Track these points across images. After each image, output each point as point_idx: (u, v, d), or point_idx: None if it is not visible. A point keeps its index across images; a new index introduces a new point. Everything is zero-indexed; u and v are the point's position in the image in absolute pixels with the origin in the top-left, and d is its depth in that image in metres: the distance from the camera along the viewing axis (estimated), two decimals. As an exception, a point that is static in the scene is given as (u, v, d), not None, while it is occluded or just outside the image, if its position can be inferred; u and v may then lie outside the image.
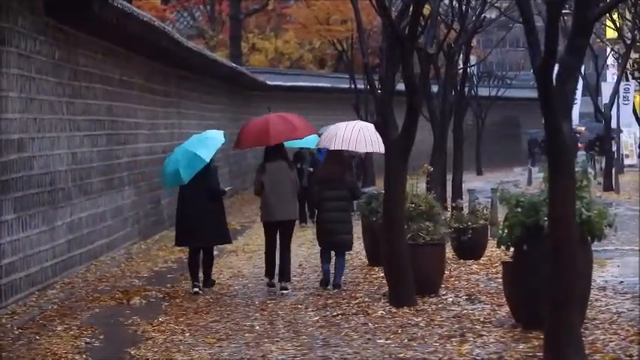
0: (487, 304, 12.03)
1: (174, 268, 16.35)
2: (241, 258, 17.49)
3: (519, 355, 9.43)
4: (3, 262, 12.50)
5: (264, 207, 13.77)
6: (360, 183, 17.01)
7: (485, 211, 16.95)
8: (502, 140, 56.06)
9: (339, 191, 13.75)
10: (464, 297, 12.59)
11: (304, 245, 18.82)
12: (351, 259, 15.81)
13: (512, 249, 10.65)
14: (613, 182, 32.23)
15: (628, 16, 31.78)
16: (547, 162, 8.69)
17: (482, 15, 23.27)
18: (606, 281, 13.54)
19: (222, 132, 14.38)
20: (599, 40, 36.54)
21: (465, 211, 17.28)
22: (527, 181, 36.63)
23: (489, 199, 19.67)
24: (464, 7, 21.92)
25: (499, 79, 51.97)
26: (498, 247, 10.98)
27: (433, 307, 12.02)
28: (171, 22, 44.96)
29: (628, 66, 34.22)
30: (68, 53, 15.49)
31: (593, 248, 10.69)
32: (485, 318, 11.21)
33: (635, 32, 31.28)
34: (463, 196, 21.16)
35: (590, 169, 10.71)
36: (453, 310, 11.76)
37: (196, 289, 13.70)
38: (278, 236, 13.81)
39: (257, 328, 11.23)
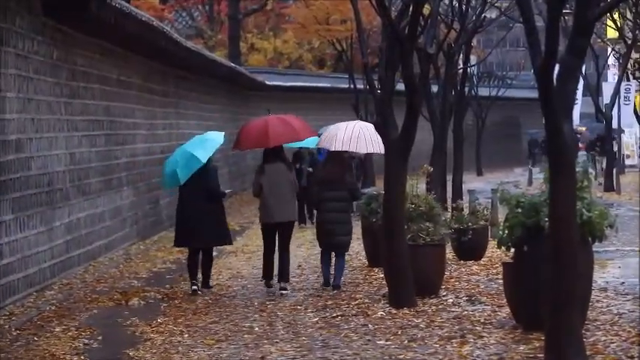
0: (487, 305, 12.01)
1: (173, 269, 16.35)
2: (240, 259, 17.47)
3: (520, 356, 9.40)
4: (1, 262, 12.48)
5: (262, 208, 13.78)
6: (360, 184, 16.97)
7: (485, 212, 16.94)
8: (502, 140, 56.08)
9: (339, 192, 13.75)
10: (464, 298, 12.56)
11: (303, 246, 18.80)
12: (350, 259, 15.79)
13: (512, 250, 10.62)
14: (614, 183, 32.19)
15: (629, 15, 31.75)
16: (547, 162, 8.65)
17: (483, 15, 23.25)
18: (607, 282, 13.51)
19: (222, 133, 14.42)
20: (599, 40, 36.52)
21: (465, 211, 17.24)
22: (527, 181, 36.63)
23: (489, 200, 19.66)
24: (464, 7, 21.89)
25: (499, 79, 51.99)
26: (499, 247, 10.96)
27: (433, 308, 11.99)
28: (170, 21, 44.95)
29: (629, 66, 34.17)
30: (66, 53, 15.45)
31: (594, 249, 10.66)
32: (485, 319, 11.18)
33: (636, 32, 31.27)
34: (463, 197, 21.14)
35: (590, 170, 10.70)
36: (454, 311, 11.73)
37: (195, 287, 13.69)
38: (277, 238, 13.81)
39: (256, 329, 11.21)
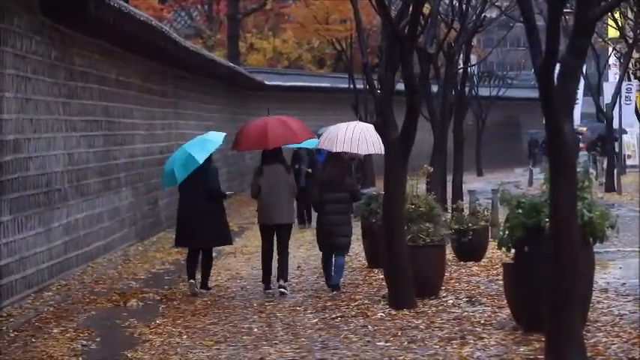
0: (488, 306, 11.99)
1: (172, 270, 16.33)
2: (239, 260, 17.45)
3: (520, 357, 9.36)
4: (-1, 263, 12.44)
5: (260, 210, 13.81)
6: (360, 186, 16.96)
7: (485, 213, 16.90)
8: (503, 140, 56.05)
9: (339, 194, 13.75)
10: (464, 299, 12.54)
11: (303, 247, 18.79)
12: (350, 260, 15.76)
13: (513, 250, 10.59)
14: (615, 183, 32.13)
15: (630, 15, 31.71)
16: (548, 162, 8.61)
17: (483, 14, 23.19)
18: (608, 283, 13.48)
19: (223, 134, 14.42)
20: (600, 40, 36.45)
21: (466, 212, 17.21)
22: (528, 181, 36.59)
23: (490, 200, 19.64)
24: (464, 6, 21.83)
25: (500, 79, 51.92)
26: (499, 248, 10.93)
27: (433, 309, 11.97)
28: (169, 21, 44.95)
29: (630, 65, 34.15)
30: (64, 53, 15.43)
31: (594, 250, 10.63)
32: (485, 320, 11.16)
33: (637, 31, 31.22)
34: (463, 197, 21.11)
35: (591, 170, 10.66)
36: (454, 313, 11.70)
37: (192, 281, 13.68)
38: (275, 239, 13.82)
39: (255, 330, 11.18)
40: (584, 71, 31.19)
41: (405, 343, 10.18)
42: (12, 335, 11.13)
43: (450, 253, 15.18)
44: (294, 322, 11.57)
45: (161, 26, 19.93)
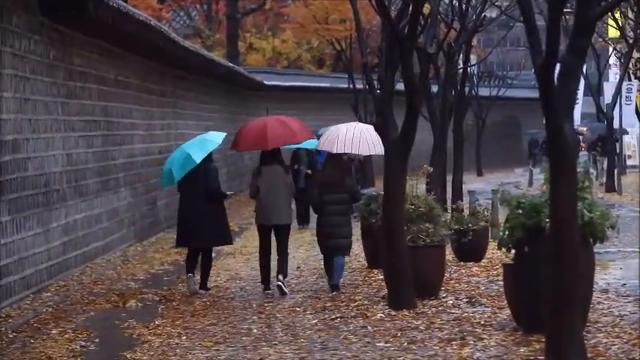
0: (488, 307, 11.97)
1: (171, 271, 16.32)
2: (239, 260, 17.42)
3: (520, 358, 9.35)
4: (-3, 264, 12.42)
5: (259, 210, 13.80)
6: (359, 186, 16.94)
7: (485, 213, 16.87)
8: (503, 141, 56.01)
9: (339, 195, 13.74)
10: (464, 299, 12.52)
11: (302, 247, 18.77)
12: (349, 261, 15.74)
13: (513, 251, 10.57)
14: (615, 183, 32.08)
15: (630, 15, 31.68)
16: (548, 163, 8.58)
17: (483, 14, 23.15)
18: (608, 283, 13.45)
19: (223, 134, 14.42)
20: (601, 40, 36.41)
21: (466, 212, 17.18)
22: (528, 182, 36.55)
23: (490, 201, 19.61)
24: (464, 6, 21.79)
25: (500, 79, 51.88)
26: (499, 248, 10.90)
27: (433, 309, 11.94)
28: (168, 21, 44.92)
29: (630, 65, 34.11)
30: (63, 53, 15.40)
31: (595, 250, 10.61)
32: (485, 321, 11.13)
33: (638, 31, 31.19)
34: (463, 198, 21.09)
35: (591, 170, 10.65)
36: (453, 313, 11.68)
37: (190, 275, 13.72)
38: (275, 240, 13.83)
39: (254, 331, 11.16)
40: (584, 71, 31.16)
41: (405, 343, 10.15)
42: (11, 336, 11.11)
43: (449, 254, 15.15)
44: (294, 322, 11.55)
45: (160, 26, 19.91)
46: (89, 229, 16.56)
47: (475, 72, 41.50)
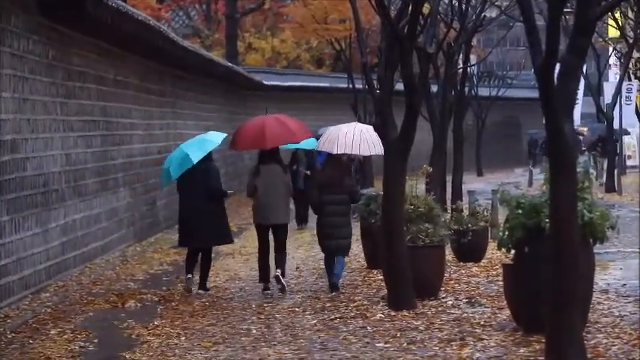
0: (487, 307, 11.95)
1: (170, 271, 16.30)
2: (238, 260, 17.40)
3: (520, 358, 9.33)
4: (-5, 265, 12.40)
5: (256, 210, 13.82)
6: (359, 187, 16.93)
7: (485, 213, 16.85)
8: (503, 141, 55.97)
9: (338, 195, 13.73)
10: (464, 300, 12.50)
11: (302, 248, 18.75)
12: (349, 261, 15.72)
13: (513, 251, 10.56)
14: (615, 183, 32.04)
15: (630, 14, 31.65)
16: (548, 163, 8.57)
17: (483, 14, 23.13)
18: (608, 284, 13.42)
19: (223, 134, 14.45)
20: (601, 40, 36.38)
21: (465, 212, 17.16)
22: (527, 182, 36.51)
23: (490, 201, 19.59)
24: (464, 6, 21.77)
25: (499, 79, 51.84)
26: (499, 249, 10.88)
27: (433, 310, 11.92)
28: (167, 21, 44.88)
29: (630, 65, 34.07)
30: (62, 53, 15.37)
31: (595, 250, 10.59)
32: (485, 321, 11.12)
33: (638, 31, 31.15)
34: (463, 198, 21.07)
35: (591, 170, 10.64)
36: (453, 314, 11.66)
37: (189, 276, 13.74)
38: (273, 240, 13.83)
39: (254, 331, 11.15)
40: (584, 71, 31.13)
41: (405, 344, 10.14)
42: (9, 337, 11.08)
43: (449, 254, 15.12)
44: (293, 323, 11.53)
45: (159, 26, 19.88)
46: (88, 229, 16.53)
47: (475, 72, 41.48)
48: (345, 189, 13.78)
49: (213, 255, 14.62)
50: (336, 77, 43.08)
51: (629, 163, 43.53)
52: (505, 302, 11.18)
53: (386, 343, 10.23)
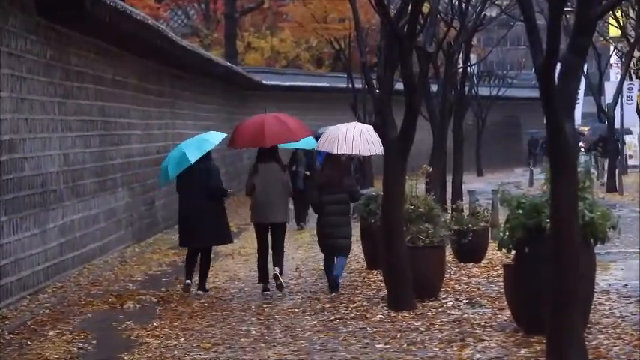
0: (488, 308, 11.92)
1: (169, 272, 16.28)
2: (237, 261, 17.37)
3: (521, 359, 9.30)
4: (-6, 265, 12.36)
5: (254, 209, 13.81)
6: (359, 186, 16.92)
7: (485, 213, 16.82)
8: (503, 140, 55.95)
9: (338, 195, 13.73)
10: (464, 300, 12.47)
11: (301, 248, 18.72)
12: (349, 262, 15.67)
13: (513, 251, 10.52)
14: (616, 183, 32.00)
15: (631, 14, 31.62)
16: (549, 163, 8.53)
17: (483, 13, 23.10)
18: (609, 284, 13.39)
19: (222, 135, 14.44)
20: (601, 39, 36.35)
21: (466, 212, 17.13)
22: (528, 182, 36.49)
23: (490, 201, 19.56)
24: (464, 5, 21.74)
25: (500, 79, 51.78)
26: (499, 249, 10.86)
27: (433, 310, 11.89)
28: (165, 20, 44.86)
29: (631, 65, 34.05)
30: (60, 52, 15.33)
31: (595, 251, 10.55)
32: (486, 322, 11.08)
33: (639, 30, 31.09)
34: (463, 198, 21.04)
35: (592, 170, 10.60)
36: (453, 314, 11.63)
37: (188, 281, 13.73)
38: (270, 238, 13.83)
39: (253, 332, 11.12)
40: (585, 70, 31.09)
41: (405, 345, 10.11)
42: (7, 338, 11.05)
43: (449, 254, 15.10)
44: (293, 324, 11.51)
45: (158, 25, 19.85)
46: (86, 229, 16.49)
47: (475, 71, 41.45)
48: (345, 188, 13.77)
49: (212, 255, 14.59)
50: (335, 77, 43.07)
51: (630, 162, 43.52)
52: (505, 303, 11.17)
53: (386, 344, 10.20)
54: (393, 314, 11.68)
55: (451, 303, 12.33)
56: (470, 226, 15.77)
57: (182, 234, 14.03)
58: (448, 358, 9.50)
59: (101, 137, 17.60)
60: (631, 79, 36.18)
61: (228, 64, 31.79)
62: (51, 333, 11.26)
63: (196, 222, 13.67)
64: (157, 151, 21.52)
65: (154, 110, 22.08)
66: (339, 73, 43.29)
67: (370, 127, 14.34)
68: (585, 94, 41.47)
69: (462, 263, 15.60)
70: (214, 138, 14.18)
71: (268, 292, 13.55)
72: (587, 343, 8.75)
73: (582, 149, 36.21)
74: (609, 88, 37.73)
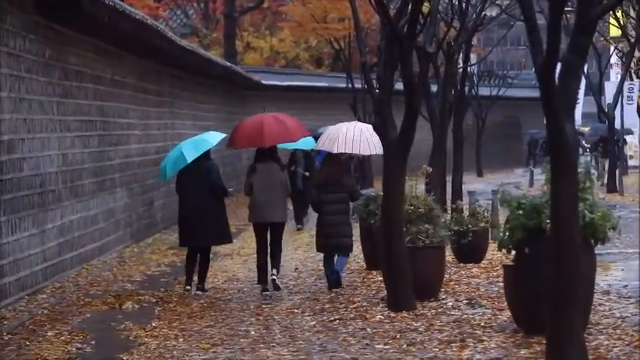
0: (488, 309, 11.89)
1: (168, 272, 16.26)
2: (236, 261, 17.35)
3: (521, 360, 9.27)
4: (-8, 265, 12.33)
5: (253, 208, 13.81)
6: (359, 186, 16.91)
7: (485, 214, 16.81)
8: (503, 141, 55.91)
9: (337, 194, 13.73)
10: (464, 301, 12.45)
11: (300, 248, 18.69)
12: (349, 262, 15.64)
13: (513, 252, 10.51)
14: (617, 184, 31.96)
15: (632, 13, 31.60)
16: (549, 163, 8.51)
17: (483, 13, 23.07)
18: (610, 285, 13.37)
19: (222, 135, 14.45)
20: (602, 39, 36.33)
21: (465, 213, 17.12)
22: (528, 182, 36.46)
23: (490, 201, 19.54)
24: (464, 5, 21.71)
25: (500, 79, 51.74)
26: (499, 250, 10.86)
27: (433, 311, 11.87)
28: (165, 20, 44.83)
29: (632, 65, 34.03)
30: (58, 52, 15.30)
31: (596, 251, 10.53)
32: (486, 323, 11.07)
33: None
34: (463, 198, 21.01)
35: (593, 170, 10.62)
36: (453, 315, 11.61)
37: (188, 287, 13.75)
38: (269, 237, 13.83)
39: (252, 333, 11.11)
40: (585, 70, 31.08)
41: (404, 345, 10.09)
42: (6, 338, 11.03)
43: (449, 255, 15.08)
44: (292, 324, 11.49)
45: (156, 25, 19.83)
46: (85, 230, 16.46)
47: (475, 71, 41.42)
48: (345, 187, 13.78)
49: (211, 256, 14.57)
50: (335, 77, 43.04)
51: (630, 163, 43.50)
52: (505, 303, 11.15)
53: (385, 344, 10.17)
54: (392, 315, 11.66)
55: (451, 304, 12.31)
56: (470, 226, 15.75)
57: (182, 234, 14.02)
58: (448, 358, 9.48)
59: (100, 137, 17.57)
60: (631, 79, 36.16)
61: (228, 63, 31.77)
62: (49, 333, 11.24)
63: (196, 222, 13.66)
64: (155, 151, 21.49)
65: (153, 110, 22.05)
66: (338, 73, 43.26)
67: (370, 127, 14.32)
68: (586, 94, 41.49)
69: (461, 264, 15.58)
70: (213, 138, 14.19)
71: (267, 293, 13.53)
72: (587, 343, 8.72)
73: (587, 149, 36.24)
74: (610, 88, 37.72)
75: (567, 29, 19.45)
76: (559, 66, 8.28)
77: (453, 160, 23.79)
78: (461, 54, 23.59)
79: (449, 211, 17.87)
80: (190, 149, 13.79)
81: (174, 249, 18.09)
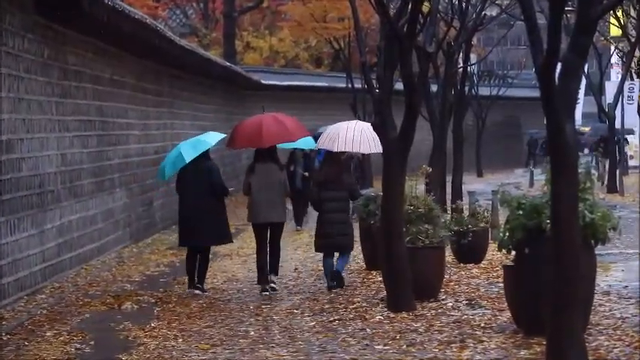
0: (488, 309, 11.87)
1: (167, 272, 16.26)
2: (236, 262, 17.33)
3: (521, 361, 9.26)
4: (-9, 266, 12.32)
5: (251, 208, 13.81)
6: (359, 185, 16.91)
7: (485, 214, 16.79)
8: (503, 141, 55.93)
9: (337, 193, 13.74)
10: (464, 302, 12.43)
11: (300, 249, 18.67)
12: (348, 262, 15.63)
13: (513, 252, 10.49)
14: (617, 184, 31.94)
15: (632, 13, 31.58)
16: (549, 163, 8.49)
17: (483, 12, 23.05)
18: (610, 286, 13.35)
19: (221, 135, 14.46)
20: (602, 38, 36.32)
21: (465, 213, 17.10)
22: (528, 182, 36.45)
23: (490, 201, 19.52)
24: (464, 5, 21.69)
25: (500, 79, 51.76)
26: (499, 250, 10.85)
27: (432, 312, 11.85)
28: (164, 20, 44.84)
29: (633, 64, 34.01)
30: (57, 52, 15.29)
31: (596, 252, 10.51)
32: (485, 323, 11.04)
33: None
34: (463, 198, 21.00)
35: (593, 170, 10.61)
36: (453, 316, 11.59)
37: (191, 290, 13.76)
38: (268, 237, 13.84)
39: (252, 333, 11.09)
40: (585, 70, 31.06)
41: (404, 346, 10.07)
42: (5, 339, 11.02)
43: (449, 255, 15.06)
44: (292, 325, 11.47)
45: (156, 24, 19.81)
46: (84, 230, 16.45)
47: (475, 71, 41.43)
48: (345, 186, 13.81)
49: (210, 256, 14.56)
50: (334, 77, 43.05)
51: (631, 163, 43.48)
52: (505, 304, 11.13)
53: (385, 345, 10.16)
54: (392, 315, 11.64)
55: (451, 304, 12.29)
56: (470, 226, 15.74)
57: (182, 234, 14.03)
58: (447, 359, 9.45)
59: (99, 137, 17.56)
60: (632, 79, 36.14)
61: (227, 63, 31.77)
62: (48, 334, 11.23)
63: (196, 222, 13.67)
64: (154, 152, 21.47)
65: (152, 110, 22.04)
66: (338, 73, 43.27)
67: (370, 126, 14.32)
68: (586, 94, 41.48)
69: (461, 264, 15.57)
70: (212, 138, 14.20)
71: (267, 293, 13.51)
72: (587, 344, 8.71)
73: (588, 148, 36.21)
74: (610, 88, 37.71)
75: (568, 29, 19.47)
76: (559, 66, 8.27)
77: (453, 160, 23.77)
78: (461, 54, 23.58)
79: (449, 212, 17.85)
80: (189, 149, 13.81)
81: (173, 249, 18.08)
